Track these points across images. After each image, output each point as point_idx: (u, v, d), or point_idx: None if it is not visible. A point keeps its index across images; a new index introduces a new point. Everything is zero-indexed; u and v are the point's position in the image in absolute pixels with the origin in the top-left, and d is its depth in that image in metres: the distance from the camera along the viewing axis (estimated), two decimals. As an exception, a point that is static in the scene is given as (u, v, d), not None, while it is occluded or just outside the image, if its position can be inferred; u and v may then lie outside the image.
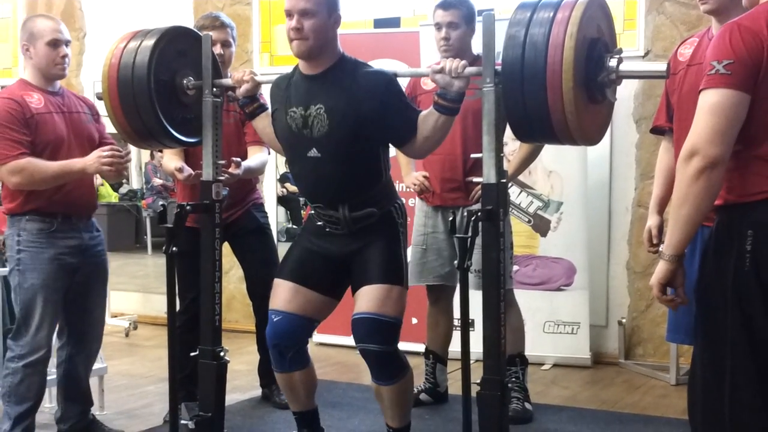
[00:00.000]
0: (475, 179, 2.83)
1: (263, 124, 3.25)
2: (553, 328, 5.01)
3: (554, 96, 2.50)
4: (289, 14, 2.96)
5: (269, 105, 3.23)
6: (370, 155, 3.05)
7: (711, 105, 2.20)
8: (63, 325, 3.62)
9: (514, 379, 3.92)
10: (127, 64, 3.12)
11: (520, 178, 4.96)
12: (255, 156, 3.99)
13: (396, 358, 3.07)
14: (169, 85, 3.21)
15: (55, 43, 3.48)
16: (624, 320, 5.10)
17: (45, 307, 3.44)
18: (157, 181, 10.36)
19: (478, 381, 2.74)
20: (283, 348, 3.12)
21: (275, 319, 3.11)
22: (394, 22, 5.67)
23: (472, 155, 2.80)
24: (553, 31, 2.49)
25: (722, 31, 2.26)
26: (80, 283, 3.57)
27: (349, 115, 2.95)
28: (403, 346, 3.13)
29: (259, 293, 4.18)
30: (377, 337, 2.98)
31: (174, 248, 3.06)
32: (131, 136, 3.24)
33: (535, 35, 2.51)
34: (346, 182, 3.03)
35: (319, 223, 3.13)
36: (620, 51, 2.65)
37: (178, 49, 3.24)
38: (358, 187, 3.05)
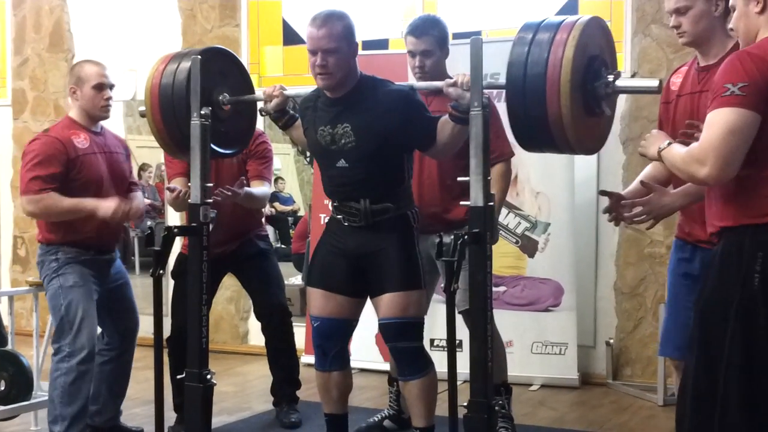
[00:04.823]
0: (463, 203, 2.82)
1: (297, 133, 3.48)
2: (540, 348, 5.01)
3: (552, 95, 2.56)
4: (313, 53, 3.15)
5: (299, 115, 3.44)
6: (393, 161, 3.27)
7: (727, 123, 2.29)
8: (110, 325, 3.88)
9: (498, 409, 3.85)
10: (167, 84, 3.35)
11: (508, 199, 4.96)
12: (258, 188, 4.09)
13: (423, 353, 3.30)
14: (207, 101, 3.35)
15: (100, 87, 3.76)
16: (612, 341, 5.10)
17: (87, 303, 3.66)
18: (145, 201, 10.35)
19: (465, 403, 2.74)
20: (327, 348, 3.34)
21: (316, 324, 3.34)
22: (383, 44, 5.70)
23: (459, 178, 2.81)
24: (556, 39, 2.59)
25: (732, 58, 2.36)
26: (113, 290, 3.86)
27: (374, 131, 3.17)
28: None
29: (266, 315, 4.27)
30: (405, 336, 3.24)
31: (161, 271, 3.08)
32: (170, 147, 3.46)
33: (540, 42, 2.61)
34: (370, 182, 3.24)
35: (339, 216, 3.31)
36: (619, 73, 2.73)
37: (215, 67, 3.43)
38: (381, 185, 3.26)
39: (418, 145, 3.29)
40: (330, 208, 3.42)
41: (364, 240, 3.26)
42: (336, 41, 3.13)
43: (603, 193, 3.02)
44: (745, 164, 2.32)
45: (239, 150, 3.76)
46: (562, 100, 2.55)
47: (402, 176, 3.30)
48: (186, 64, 3.33)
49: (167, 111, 3.35)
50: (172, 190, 3.81)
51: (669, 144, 2.56)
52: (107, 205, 3.65)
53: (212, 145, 3.42)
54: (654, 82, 2.72)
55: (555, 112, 2.57)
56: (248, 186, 4.02)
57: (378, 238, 3.25)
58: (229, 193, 3.75)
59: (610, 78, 2.67)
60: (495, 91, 4.70)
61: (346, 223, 3.29)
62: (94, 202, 3.66)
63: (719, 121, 2.30)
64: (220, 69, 3.48)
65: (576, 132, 2.62)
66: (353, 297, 3.33)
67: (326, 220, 3.50)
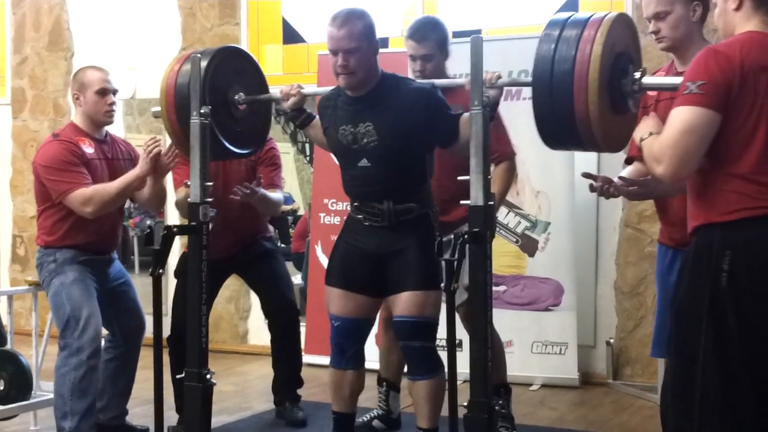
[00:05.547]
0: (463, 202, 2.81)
1: (314, 132, 3.48)
2: (541, 348, 5.00)
3: (580, 92, 2.56)
4: (334, 52, 3.14)
5: (316, 114, 3.45)
6: (415, 160, 3.27)
7: (684, 121, 2.30)
8: (114, 324, 3.89)
9: (499, 409, 3.83)
10: (183, 84, 3.34)
11: (508, 198, 4.96)
12: (272, 194, 4.10)
13: (434, 354, 3.30)
14: (222, 100, 3.40)
15: (103, 92, 3.78)
16: (612, 340, 5.10)
17: (90, 298, 3.67)
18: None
19: (465, 403, 2.73)
20: (345, 347, 3.36)
21: (336, 324, 3.34)
22: (383, 43, 5.66)
23: (459, 177, 2.80)
24: (584, 36, 2.58)
25: (699, 56, 2.38)
26: (114, 290, 3.87)
27: (396, 130, 3.17)
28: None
29: (274, 312, 4.26)
30: (420, 336, 3.24)
31: (161, 270, 3.08)
32: (186, 146, 3.38)
33: (568, 39, 2.60)
34: (393, 182, 3.24)
35: (359, 216, 3.29)
36: (645, 70, 2.72)
37: (230, 67, 3.46)
38: (404, 185, 3.26)
39: (440, 142, 3.27)
40: (349, 207, 3.39)
41: (386, 240, 3.25)
42: (357, 40, 3.12)
43: (585, 175, 3.02)
44: (708, 162, 2.34)
45: (255, 150, 3.78)
46: (590, 97, 2.54)
47: (424, 175, 3.30)
48: (202, 64, 3.32)
49: (183, 111, 3.32)
50: (188, 186, 3.79)
51: (650, 135, 2.55)
52: (139, 166, 3.70)
53: (228, 145, 3.45)
54: (680, 80, 2.71)
55: (582, 109, 2.56)
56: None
57: (399, 238, 3.23)
58: (248, 191, 3.76)
59: (637, 75, 2.66)
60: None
61: (367, 223, 3.28)
62: (134, 171, 3.71)
63: (677, 120, 2.32)
64: (236, 68, 3.48)
65: (603, 129, 2.61)
66: (373, 296, 3.33)
67: (345, 219, 3.46)
